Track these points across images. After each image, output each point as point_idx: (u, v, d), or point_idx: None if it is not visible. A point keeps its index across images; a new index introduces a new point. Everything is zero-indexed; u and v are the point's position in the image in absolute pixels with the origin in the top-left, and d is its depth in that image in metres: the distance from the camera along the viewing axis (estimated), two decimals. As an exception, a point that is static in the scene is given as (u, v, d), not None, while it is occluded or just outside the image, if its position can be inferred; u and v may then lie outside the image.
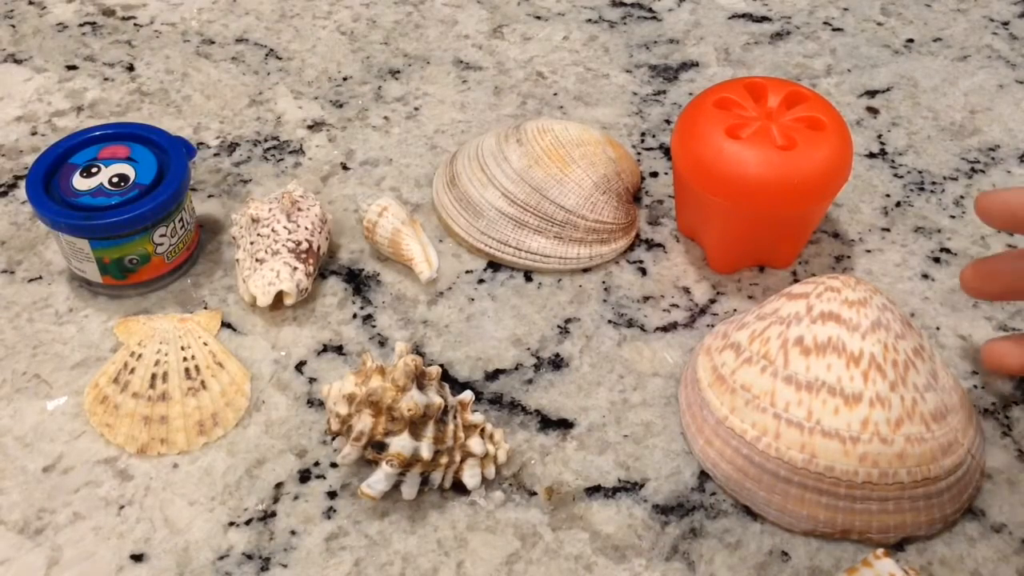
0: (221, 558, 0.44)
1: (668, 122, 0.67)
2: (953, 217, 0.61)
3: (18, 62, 0.71)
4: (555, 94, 0.69)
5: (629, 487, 0.47)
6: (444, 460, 0.45)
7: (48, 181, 0.53)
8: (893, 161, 0.65)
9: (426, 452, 0.43)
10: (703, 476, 0.47)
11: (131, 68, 0.71)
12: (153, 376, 0.49)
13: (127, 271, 0.53)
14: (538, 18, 0.76)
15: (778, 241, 0.55)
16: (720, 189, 0.51)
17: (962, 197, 0.62)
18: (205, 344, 0.51)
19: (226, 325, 0.53)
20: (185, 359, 0.50)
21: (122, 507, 0.45)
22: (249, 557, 0.44)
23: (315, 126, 0.66)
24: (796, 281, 0.54)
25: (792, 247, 0.56)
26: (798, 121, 0.52)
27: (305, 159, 0.64)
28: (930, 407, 0.44)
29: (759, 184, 0.50)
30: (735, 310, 0.55)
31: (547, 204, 0.56)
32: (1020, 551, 0.44)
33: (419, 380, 0.44)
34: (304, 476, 0.47)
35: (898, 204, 0.62)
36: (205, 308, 0.54)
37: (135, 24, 0.75)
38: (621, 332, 0.54)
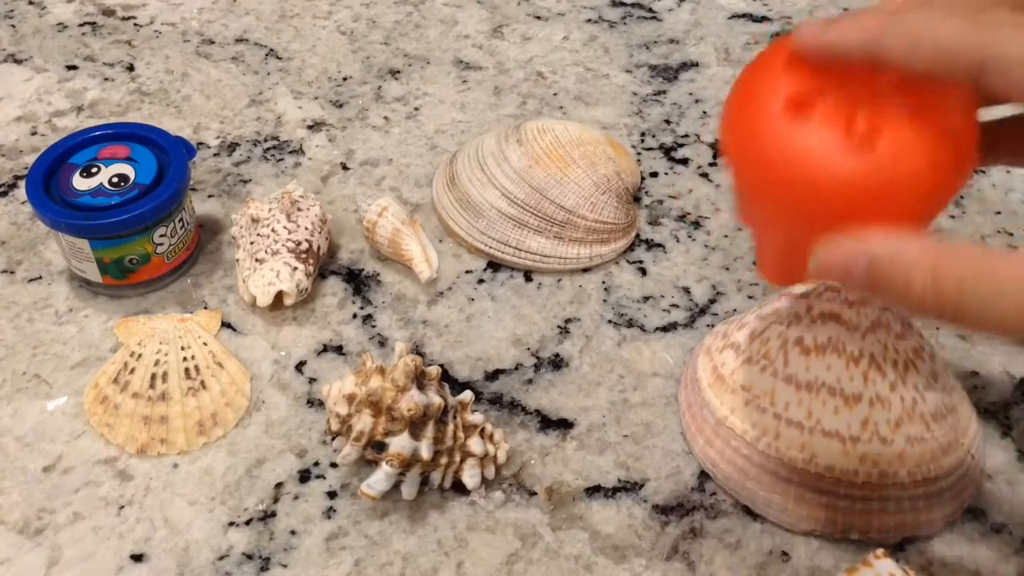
0: (221, 558, 0.44)
1: (668, 122, 0.67)
2: (953, 217, 0.61)
3: (18, 62, 0.71)
4: (555, 94, 0.69)
5: (629, 487, 0.47)
6: (444, 460, 0.45)
7: (48, 181, 0.53)
8: (893, 161, 0.65)
9: (426, 452, 0.43)
10: (703, 476, 0.47)
11: (131, 68, 0.71)
12: (153, 376, 0.49)
13: (127, 271, 0.53)
14: (538, 18, 0.76)
15: None
16: (762, 186, 0.36)
17: (962, 197, 0.62)
18: (205, 344, 0.51)
19: (226, 325, 0.53)
20: (185, 359, 0.50)
21: (122, 507, 0.45)
22: (249, 557, 0.44)
23: (315, 126, 0.66)
24: (796, 281, 0.54)
25: None
26: (900, 98, 0.34)
27: (305, 159, 0.64)
28: (930, 407, 0.44)
29: (813, 189, 0.34)
30: (735, 310, 0.55)
31: (547, 204, 0.56)
32: (1020, 551, 0.44)
33: (419, 380, 0.44)
34: (304, 476, 0.47)
35: (898, 204, 0.61)
36: (205, 308, 0.54)
37: (135, 24, 0.75)
38: (621, 332, 0.54)
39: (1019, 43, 0.30)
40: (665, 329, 0.54)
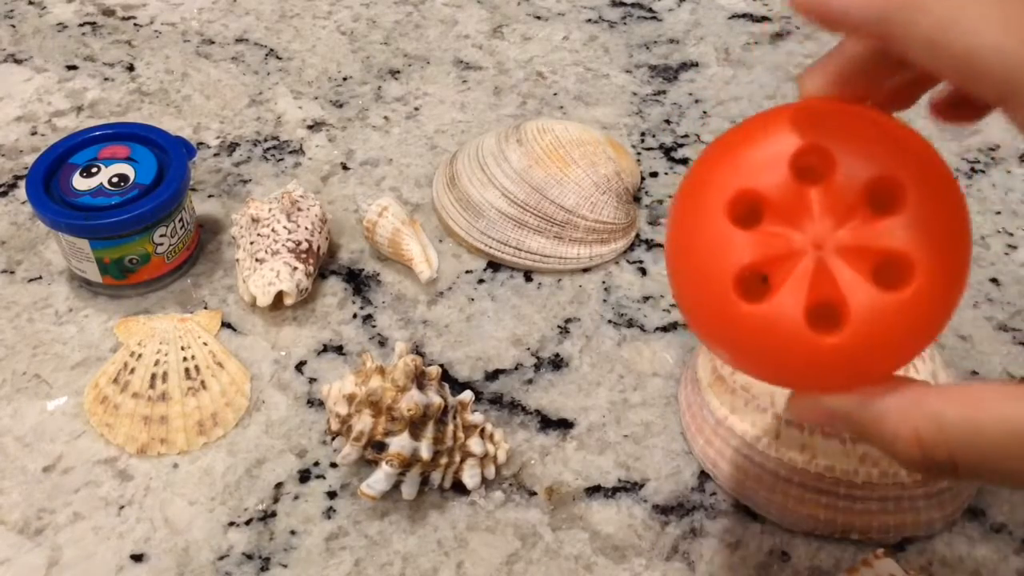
0: (221, 558, 0.44)
1: (668, 122, 0.67)
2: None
3: (18, 62, 0.71)
4: (555, 94, 0.69)
5: (629, 487, 0.47)
6: (444, 460, 0.45)
7: (48, 181, 0.53)
8: (893, 161, 0.65)
9: (426, 452, 0.43)
10: (703, 476, 0.47)
11: (131, 68, 0.71)
12: (153, 376, 0.49)
13: (127, 271, 0.53)
14: (538, 18, 0.76)
15: None
16: (720, 354, 0.33)
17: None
18: (205, 344, 0.51)
19: (226, 325, 0.53)
20: (185, 359, 0.50)
21: (122, 507, 0.45)
22: (249, 557, 0.44)
23: (315, 126, 0.66)
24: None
25: None
26: (870, 251, 0.29)
27: (305, 159, 0.64)
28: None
29: (776, 372, 0.32)
30: (735, 310, 0.55)
31: (547, 204, 0.56)
32: (1020, 551, 0.44)
33: (419, 380, 0.44)
34: (304, 476, 0.47)
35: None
36: (205, 308, 0.54)
37: (135, 24, 0.75)
38: (621, 332, 0.54)
39: None
40: (665, 329, 0.54)
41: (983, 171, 0.64)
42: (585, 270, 0.57)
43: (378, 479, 0.43)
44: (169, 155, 0.54)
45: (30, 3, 0.77)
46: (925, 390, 0.30)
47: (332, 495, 0.46)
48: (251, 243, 0.54)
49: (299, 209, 0.55)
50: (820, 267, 0.29)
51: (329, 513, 0.45)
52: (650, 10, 0.77)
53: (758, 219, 0.30)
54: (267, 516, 0.45)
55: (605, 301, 0.55)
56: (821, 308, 0.29)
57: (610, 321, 0.54)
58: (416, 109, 0.68)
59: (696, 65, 0.72)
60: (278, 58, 0.72)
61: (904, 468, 0.30)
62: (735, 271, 0.30)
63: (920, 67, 0.28)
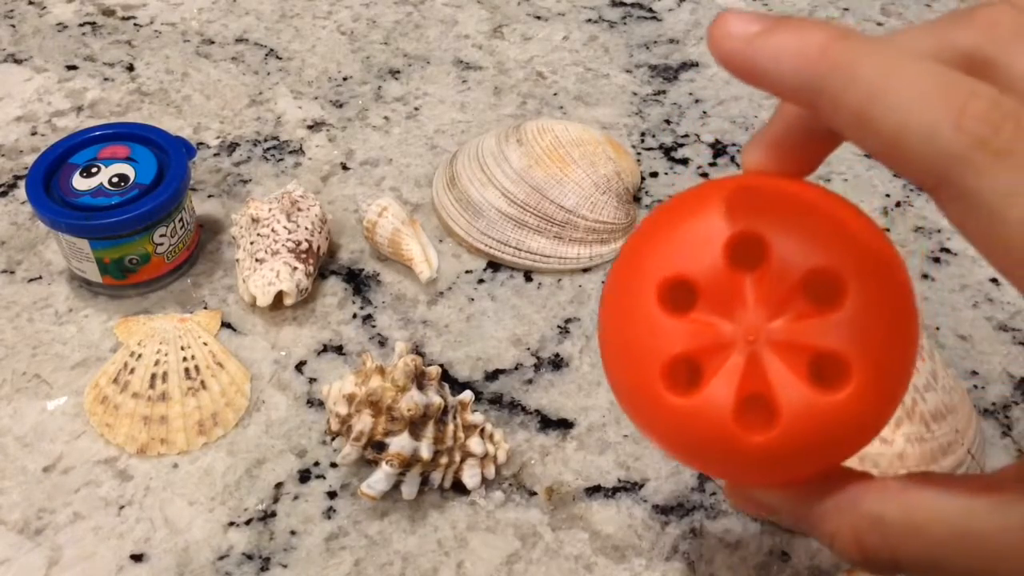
0: (221, 558, 0.44)
1: (668, 122, 0.67)
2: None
3: (18, 62, 0.71)
4: (555, 94, 0.69)
5: (629, 487, 0.47)
6: (444, 460, 0.45)
7: (48, 181, 0.53)
8: (893, 161, 0.65)
9: (426, 452, 0.43)
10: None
11: (131, 68, 0.71)
12: (153, 376, 0.49)
13: (127, 271, 0.53)
14: (538, 18, 0.76)
15: None
16: (658, 446, 0.32)
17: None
18: (205, 344, 0.51)
19: (226, 325, 0.53)
20: (185, 359, 0.50)
21: (122, 507, 0.45)
22: (249, 557, 0.44)
23: (315, 126, 0.66)
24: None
25: None
26: (804, 348, 0.27)
27: (305, 159, 0.64)
28: (930, 407, 0.44)
29: (708, 465, 0.33)
30: (735, 310, 0.55)
31: (547, 204, 0.56)
32: (1020, 551, 0.44)
33: (419, 380, 0.44)
34: (304, 476, 0.47)
35: (898, 204, 0.62)
36: (205, 308, 0.54)
37: (135, 24, 0.75)
38: (621, 332, 0.53)
39: None
40: (665, 329, 0.54)
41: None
42: (585, 270, 0.57)
43: (378, 479, 0.43)
44: (169, 155, 0.54)
45: (30, 3, 0.77)
46: (863, 488, 0.28)
47: (332, 495, 0.46)
48: (251, 243, 0.54)
49: (299, 209, 0.55)
50: (752, 361, 0.28)
51: (329, 513, 0.45)
52: (650, 10, 0.77)
53: (691, 305, 0.28)
54: (267, 516, 0.45)
55: (605, 301, 0.55)
56: (751, 403, 0.28)
57: (610, 321, 0.54)
58: (416, 109, 0.68)
59: (696, 65, 0.72)
60: (278, 58, 0.72)
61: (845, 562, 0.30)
62: (664, 360, 0.28)
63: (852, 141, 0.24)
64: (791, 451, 0.28)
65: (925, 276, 0.57)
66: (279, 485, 0.46)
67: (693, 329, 0.28)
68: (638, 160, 0.64)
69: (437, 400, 0.44)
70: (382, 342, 0.53)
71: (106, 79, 0.70)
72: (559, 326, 0.54)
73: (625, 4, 0.78)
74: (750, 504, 0.32)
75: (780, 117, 0.29)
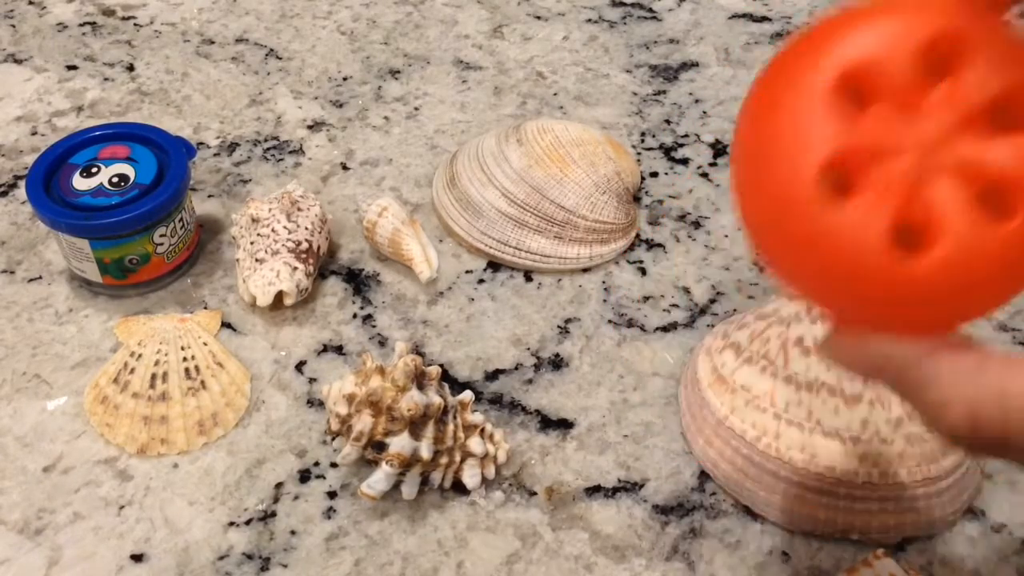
0: (221, 558, 0.44)
1: (668, 122, 0.67)
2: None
3: (18, 62, 0.71)
4: (555, 94, 0.69)
5: (629, 487, 0.47)
6: (444, 460, 0.45)
7: (48, 181, 0.53)
8: (893, 161, 0.64)
9: (426, 452, 0.43)
10: (703, 476, 0.47)
11: (131, 68, 0.71)
12: (153, 376, 0.49)
13: (127, 271, 0.53)
14: (538, 18, 0.76)
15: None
16: (785, 268, 0.28)
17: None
18: (205, 344, 0.51)
19: (226, 325, 0.53)
20: (185, 359, 0.50)
21: (122, 507, 0.45)
22: (249, 557, 0.44)
23: (315, 126, 0.66)
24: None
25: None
26: (980, 171, 0.25)
27: (305, 159, 0.64)
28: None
29: (846, 290, 0.27)
30: (735, 310, 0.55)
31: (547, 204, 0.56)
32: (1020, 551, 0.44)
33: (419, 380, 0.44)
34: (304, 476, 0.47)
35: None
36: (205, 308, 0.54)
37: (135, 24, 0.75)
38: (621, 332, 0.54)
39: None
40: (665, 329, 0.54)
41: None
42: (585, 270, 0.57)
43: (378, 479, 0.43)
44: (169, 155, 0.54)
45: (30, 3, 0.77)
46: (985, 357, 0.26)
47: (332, 495, 0.46)
48: (251, 243, 0.54)
49: (299, 209, 0.55)
50: (920, 177, 0.25)
51: (329, 513, 0.45)
52: (650, 10, 0.77)
53: (866, 104, 0.25)
54: (267, 516, 0.45)
55: (605, 301, 0.55)
56: (910, 226, 0.25)
57: (610, 321, 0.54)
58: (416, 109, 0.68)
59: (696, 65, 0.72)
60: (278, 58, 0.72)
61: (938, 435, 0.27)
62: (824, 156, 0.25)
63: None
64: (948, 285, 0.25)
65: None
66: (279, 485, 0.46)
67: (863, 128, 0.25)
68: (638, 160, 0.64)
69: (437, 400, 0.44)
70: (382, 342, 0.53)
71: (106, 79, 0.70)
72: (559, 326, 0.54)
73: (625, 4, 0.78)
74: (855, 355, 0.28)
75: None
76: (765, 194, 0.27)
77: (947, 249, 0.25)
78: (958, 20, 0.25)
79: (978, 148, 0.25)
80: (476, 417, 0.46)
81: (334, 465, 0.47)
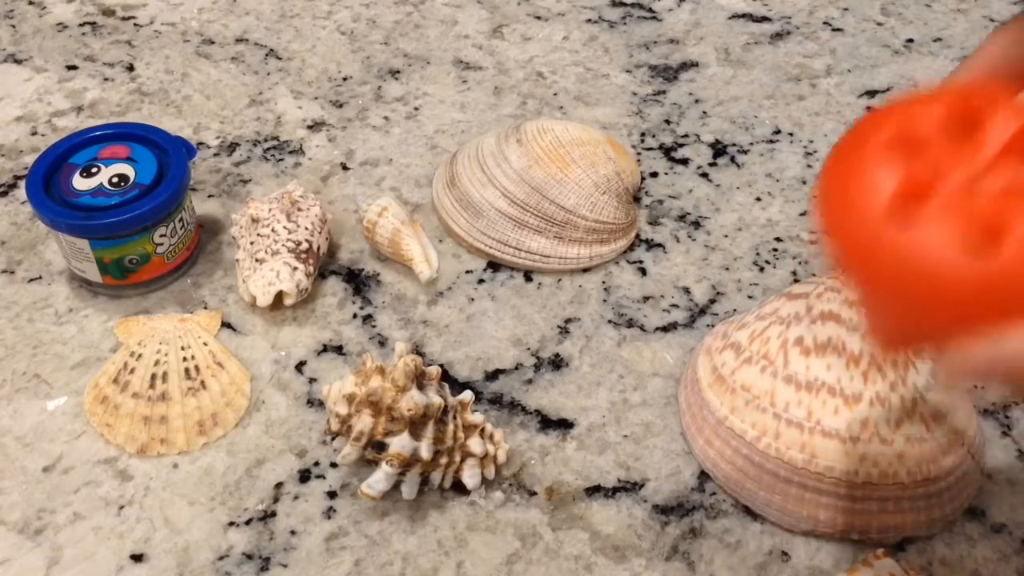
0: (221, 558, 0.44)
1: (668, 122, 0.67)
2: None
3: (18, 62, 0.71)
4: (555, 94, 0.69)
5: (629, 487, 0.47)
6: (444, 460, 0.45)
7: (48, 181, 0.53)
8: (893, 161, 0.65)
9: (426, 452, 0.43)
10: (703, 476, 0.47)
11: (131, 68, 0.71)
12: (153, 376, 0.49)
13: (127, 271, 0.53)
14: (538, 18, 0.76)
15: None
16: (870, 290, 0.32)
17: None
18: (205, 344, 0.51)
19: (226, 325, 0.53)
20: (185, 359, 0.50)
21: (122, 507, 0.45)
22: (249, 557, 0.44)
23: (315, 126, 0.66)
24: (796, 281, 0.54)
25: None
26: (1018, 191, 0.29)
27: (305, 159, 0.64)
28: (930, 407, 0.44)
29: (928, 299, 0.30)
30: (735, 310, 0.55)
31: (547, 204, 0.56)
32: (1020, 551, 0.44)
33: (419, 380, 0.44)
34: (304, 476, 0.47)
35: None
36: (205, 308, 0.54)
37: (135, 24, 0.75)
38: (621, 332, 0.54)
39: None
40: (665, 329, 0.54)
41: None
42: (585, 270, 0.57)
43: (378, 479, 0.43)
44: (169, 155, 0.54)
45: (30, 3, 0.77)
46: None
47: (332, 495, 0.46)
48: (251, 243, 0.54)
49: (299, 209, 0.55)
50: (972, 197, 0.29)
51: (329, 513, 0.45)
52: (650, 10, 0.77)
53: (917, 153, 0.31)
54: (267, 516, 0.45)
55: (605, 301, 0.55)
56: (977, 233, 0.29)
57: (610, 321, 0.54)
58: (416, 109, 0.68)
59: (696, 65, 0.72)
60: (278, 58, 0.72)
61: None
62: (890, 188, 0.30)
63: None
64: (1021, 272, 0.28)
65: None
66: (279, 485, 0.46)
67: (919, 168, 0.30)
68: (638, 160, 0.64)
69: (437, 400, 0.44)
70: (382, 342, 0.53)
71: (106, 79, 0.70)
72: (559, 326, 0.54)
73: (625, 4, 0.78)
74: (973, 363, 0.29)
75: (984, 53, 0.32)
76: (848, 226, 0.31)
77: (1016, 244, 0.28)
78: (981, 98, 0.31)
79: (1017, 170, 0.29)
80: (476, 417, 0.46)
81: (334, 465, 0.47)
